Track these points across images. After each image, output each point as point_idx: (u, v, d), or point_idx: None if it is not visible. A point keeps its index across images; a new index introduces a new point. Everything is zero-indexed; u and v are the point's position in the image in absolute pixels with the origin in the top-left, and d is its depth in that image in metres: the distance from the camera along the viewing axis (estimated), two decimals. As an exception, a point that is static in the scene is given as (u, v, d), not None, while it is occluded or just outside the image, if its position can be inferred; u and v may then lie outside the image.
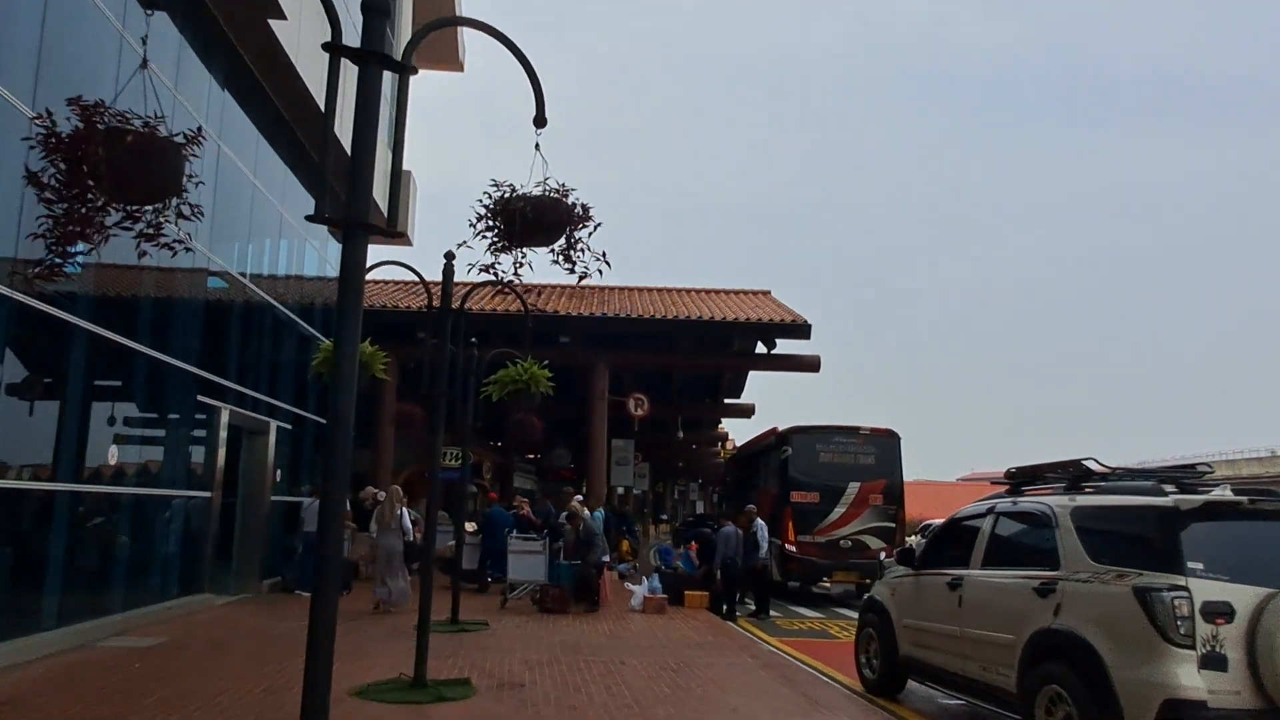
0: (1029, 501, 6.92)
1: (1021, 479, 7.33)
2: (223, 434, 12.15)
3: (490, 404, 11.31)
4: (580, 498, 15.91)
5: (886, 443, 17.38)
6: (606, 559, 13.67)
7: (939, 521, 8.04)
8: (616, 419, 23.06)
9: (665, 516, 53.10)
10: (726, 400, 31.13)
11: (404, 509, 13.17)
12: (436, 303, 7.48)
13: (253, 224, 13.57)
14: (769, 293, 25.37)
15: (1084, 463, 6.62)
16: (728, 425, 43.05)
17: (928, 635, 7.65)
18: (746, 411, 30.76)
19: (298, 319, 15.70)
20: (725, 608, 14.38)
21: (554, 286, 24.91)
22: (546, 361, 8.29)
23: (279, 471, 14.74)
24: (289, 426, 15.12)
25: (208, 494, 11.94)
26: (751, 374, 29.23)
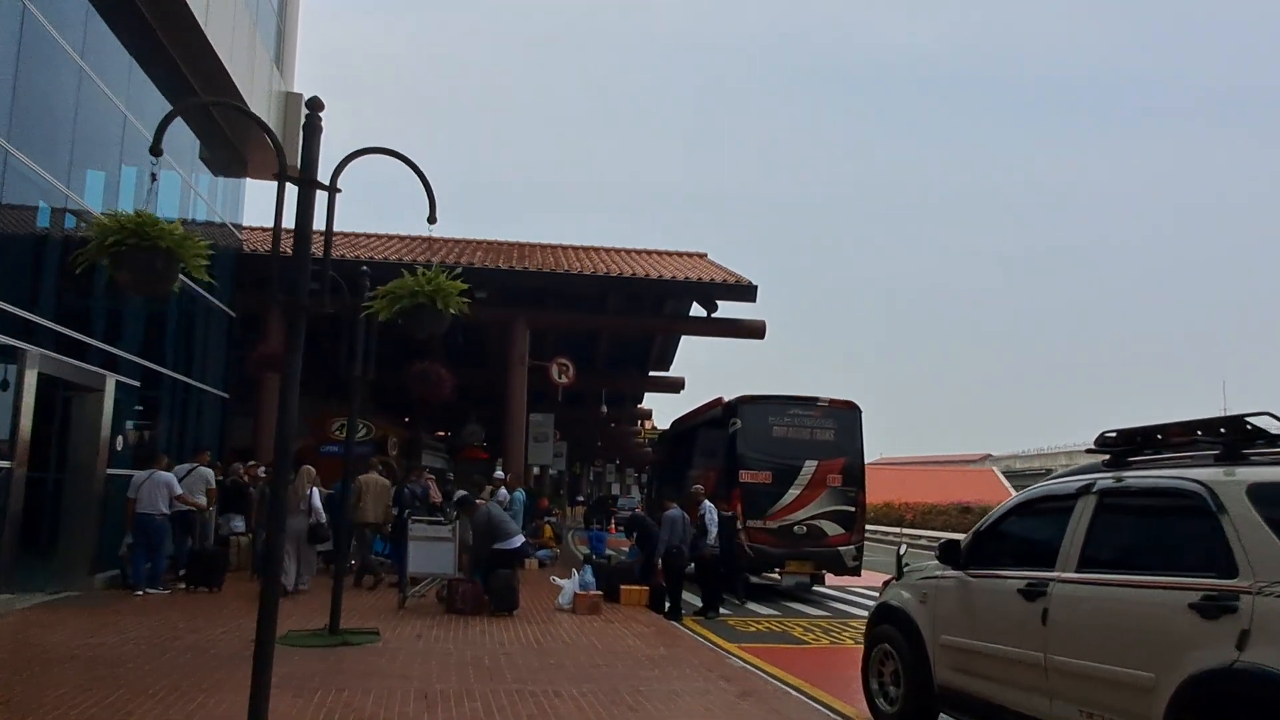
0: (1155, 476, 4.83)
1: (1127, 446, 5.23)
2: (29, 386, 9.30)
3: (388, 355, 8.92)
4: (501, 475, 13.59)
5: (846, 416, 15.40)
6: (515, 544, 11.18)
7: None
8: (534, 391, 20.64)
9: (582, 499, 50.98)
10: (653, 373, 29.01)
11: (315, 489, 11.90)
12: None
13: (81, 121, 10.64)
14: (705, 255, 23.30)
15: (1249, 420, 4.56)
16: (650, 402, 41.06)
17: (984, 661, 5.56)
18: (675, 385, 28.69)
19: (151, 254, 12.77)
20: (669, 605, 12.19)
21: (469, 241, 22.33)
22: (460, 269, 5.84)
23: (120, 439, 11.88)
24: (135, 383, 12.24)
25: (5, 465, 9.11)
26: (673, 347, 27.25)
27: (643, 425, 48.00)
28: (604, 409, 28.46)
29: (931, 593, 6.22)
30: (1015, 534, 5.80)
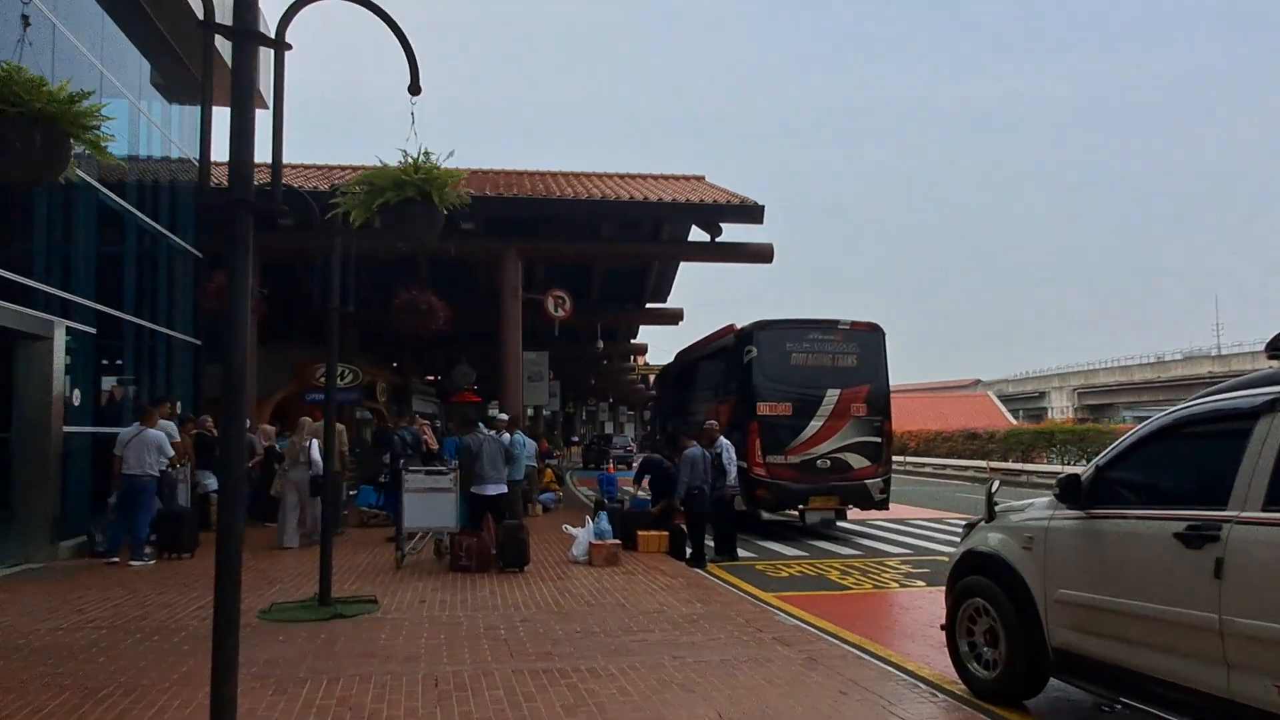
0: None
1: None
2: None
3: (371, 292, 7.73)
4: (504, 416, 12.49)
5: (870, 339, 14.31)
6: (489, 491, 10.14)
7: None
8: (526, 328, 19.43)
9: (576, 439, 50.18)
10: (649, 305, 27.80)
11: (314, 440, 11.42)
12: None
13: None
14: (703, 178, 21.94)
15: None
16: (645, 337, 39.96)
17: (1121, 621, 4.52)
18: (674, 317, 27.44)
19: (98, 186, 11.41)
20: (690, 551, 11.23)
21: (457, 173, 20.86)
22: (452, 152, 4.58)
23: (77, 393, 10.68)
24: (90, 330, 11.00)
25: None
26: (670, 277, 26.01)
27: (636, 361, 46.92)
28: (600, 344, 27.30)
29: (1040, 537, 5.17)
30: (1160, 464, 4.71)
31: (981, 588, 5.55)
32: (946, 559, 11.86)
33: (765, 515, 14.97)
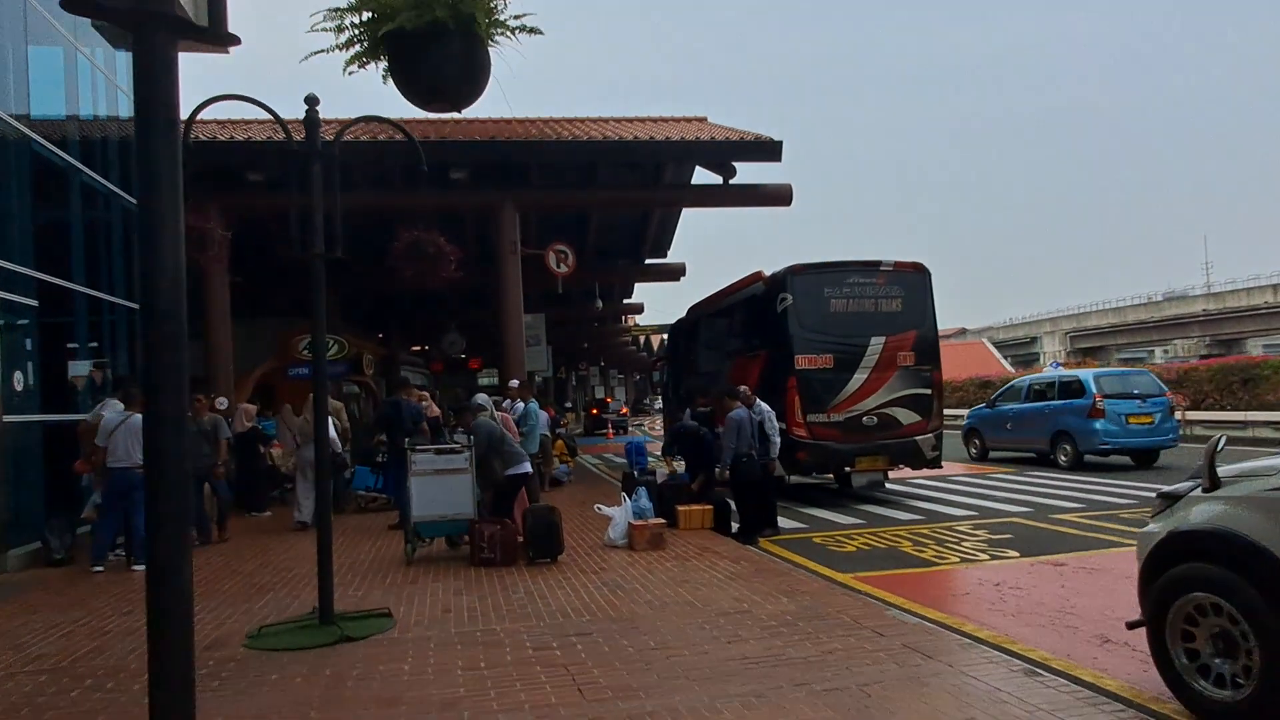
0: None
1: None
2: None
3: (354, 251, 6.21)
4: (514, 383, 11.03)
5: (914, 281, 12.87)
6: (527, 469, 8.84)
7: None
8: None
9: (570, 405, 48.80)
10: (649, 260, 26.26)
11: (329, 418, 9.97)
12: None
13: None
14: (705, 119, 20.31)
15: None
16: (640, 295, 38.43)
17: None
18: (675, 273, 25.93)
19: (36, 137, 9.75)
20: (737, 525, 9.88)
21: (435, 120, 19.16)
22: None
23: (18, 375, 9.13)
24: (32, 303, 9.41)
25: None
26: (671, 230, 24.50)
27: (627, 321, 45.38)
28: (599, 303, 25.80)
29: (1312, 511, 3.78)
30: None
31: (1209, 579, 4.16)
32: (1021, 520, 10.61)
33: (792, 480, 13.68)
